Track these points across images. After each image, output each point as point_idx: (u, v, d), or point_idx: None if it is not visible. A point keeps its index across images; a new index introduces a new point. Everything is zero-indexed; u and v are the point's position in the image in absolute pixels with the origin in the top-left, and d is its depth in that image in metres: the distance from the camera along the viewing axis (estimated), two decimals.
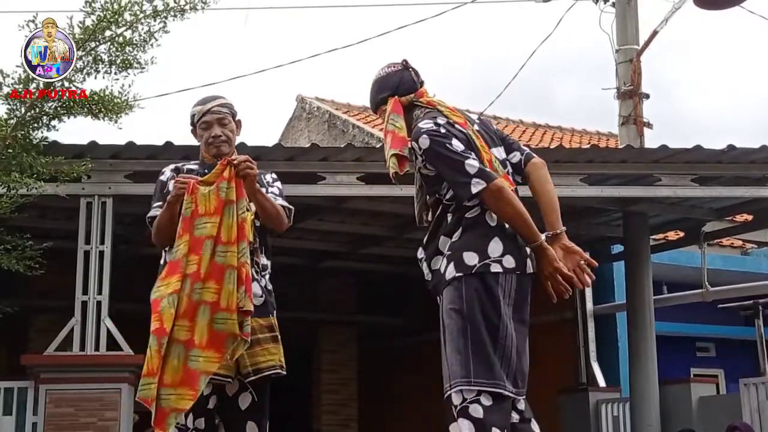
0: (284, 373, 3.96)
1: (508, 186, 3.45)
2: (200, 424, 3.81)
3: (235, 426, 3.87)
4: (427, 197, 3.66)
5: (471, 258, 3.42)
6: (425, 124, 3.53)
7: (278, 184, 4.18)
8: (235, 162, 3.76)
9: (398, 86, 3.71)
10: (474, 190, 3.37)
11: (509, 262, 3.44)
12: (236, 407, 3.87)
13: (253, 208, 3.91)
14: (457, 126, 3.56)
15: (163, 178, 4.08)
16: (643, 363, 10.29)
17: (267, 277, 4.04)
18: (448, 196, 3.53)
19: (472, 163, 3.41)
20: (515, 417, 3.44)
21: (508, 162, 3.65)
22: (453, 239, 3.49)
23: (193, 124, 4.08)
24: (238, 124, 4.15)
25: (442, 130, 3.50)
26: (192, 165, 4.12)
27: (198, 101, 4.12)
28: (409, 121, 3.67)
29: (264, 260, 4.03)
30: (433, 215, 3.61)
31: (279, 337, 3.99)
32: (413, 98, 3.69)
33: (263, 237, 4.03)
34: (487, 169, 3.43)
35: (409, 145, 3.60)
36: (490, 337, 3.37)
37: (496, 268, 3.41)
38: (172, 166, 4.13)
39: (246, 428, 3.86)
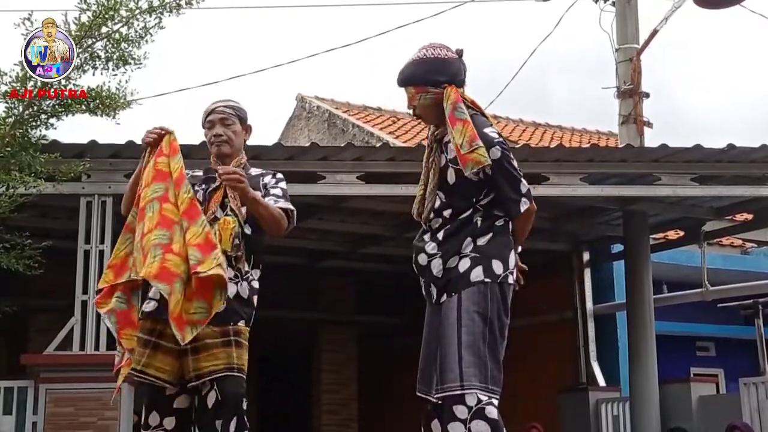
0: (235, 374, 3.80)
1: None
2: (169, 423, 3.77)
3: (204, 425, 3.81)
4: (444, 197, 3.62)
5: (498, 267, 3.50)
6: (493, 133, 3.54)
7: (282, 185, 4.12)
8: (220, 172, 3.72)
9: (456, 76, 3.63)
10: (522, 208, 3.53)
11: (514, 274, 3.56)
12: (205, 406, 3.81)
13: (244, 212, 3.89)
14: None
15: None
16: (643, 362, 10.29)
17: (245, 285, 3.93)
18: (484, 202, 3.57)
19: (525, 183, 3.56)
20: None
21: None
22: (479, 243, 3.53)
23: (202, 123, 4.11)
24: (248, 128, 4.16)
25: (506, 144, 3.56)
26: (197, 172, 4.11)
27: (211, 102, 4.13)
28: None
29: (246, 267, 3.93)
30: (454, 216, 3.59)
31: (237, 341, 3.84)
32: (462, 93, 3.64)
33: (250, 246, 3.94)
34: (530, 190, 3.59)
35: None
36: (502, 345, 3.47)
37: (510, 279, 3.53)
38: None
39: (215, 426, 3.79)
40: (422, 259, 3.62)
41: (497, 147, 3.50)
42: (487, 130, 3.54)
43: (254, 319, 4.00)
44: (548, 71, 38.38)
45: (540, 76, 38.41)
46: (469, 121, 3.51)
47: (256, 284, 3.99)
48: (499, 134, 3.59)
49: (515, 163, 3.56)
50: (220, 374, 3.75)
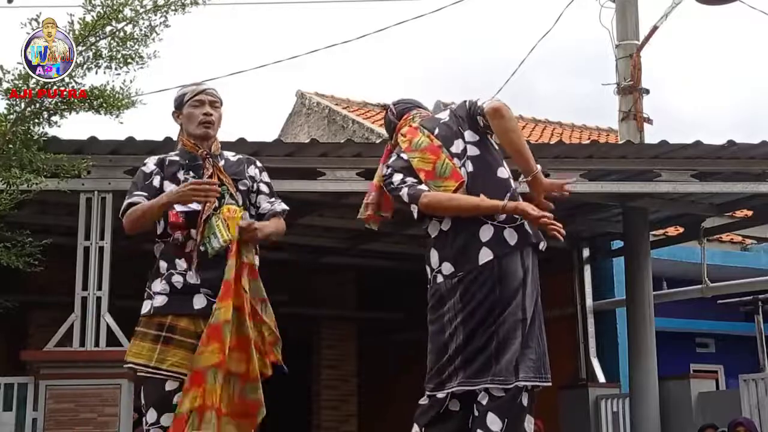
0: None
1: (428, 195, 3.68)
2: (167, 420, 3.75)
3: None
4: None
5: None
6: None
7: (265, 176, 4.09)
8: (243, 226, 3.73)
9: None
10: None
11: (447, 268, 3.62)
12: None
13: (240, 199, 3.91)
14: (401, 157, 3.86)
15: (146, 169, 3.99)
16: (642, 359, 10.29)
17: None
18: None
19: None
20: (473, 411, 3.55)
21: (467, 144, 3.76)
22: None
23: (182, 103, 4.00)
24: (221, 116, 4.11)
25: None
26: (173, 156, 4.01)
27: (188, 85, 4.09)
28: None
29: (257, 261, 3.92)
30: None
31: None
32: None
33: None
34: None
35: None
36: (431, 345, 3.65)
37: (439, 278, 3.66)
38: (155, 159, 4.01)
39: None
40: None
41: None
42: None
43: None
44: (543, 68, 38.37)
45: (536, 72, 38.40)
46: None
47: None
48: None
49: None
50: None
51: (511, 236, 3.55)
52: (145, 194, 3.87)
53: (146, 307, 3.87)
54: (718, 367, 13.45)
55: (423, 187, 3.68)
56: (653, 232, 11.33)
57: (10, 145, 6.77)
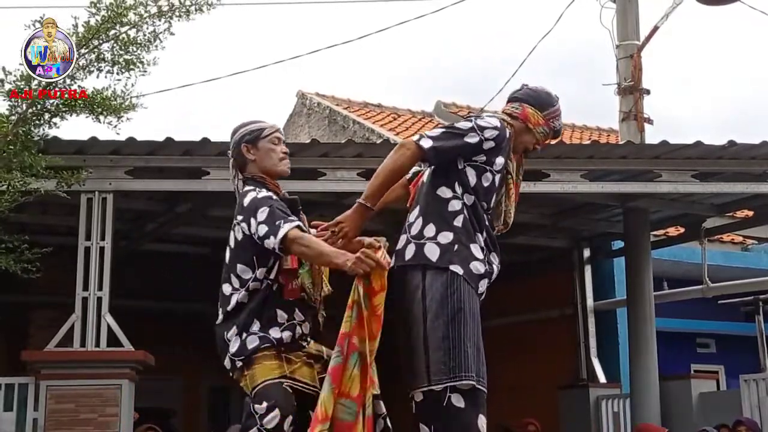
0: None
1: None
2: (289, 424, 3.86)
3: None
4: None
5: None
6: None
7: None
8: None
9: None
10: None
11: None
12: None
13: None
14: None
15: (272, 196, 4.05)
16: (643, 359, 10.29)
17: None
18: None
19: None
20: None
21: None
22: None
23: (258, 137, 4.10)
24: None
25: None
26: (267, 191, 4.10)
27: (253, 121, 4.18)
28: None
29: None
30: None
31: None
32: None
33: None
34: None
35: None
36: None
37: None
38: (266, 193, 4.06)
39: None
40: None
41: None
42: None
43: None
44: (543, 68, 38.34)
45: (537, 73, 38.34)
46: None
47: None
48: None
49: None
50: None
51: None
52: (293, 218, 3.91)
53: (263, 341, 3.92)
54: (718, 368, 13.45)
55: None
56: (654, 233, 11.33)
57: (11, 147, 6.76)
